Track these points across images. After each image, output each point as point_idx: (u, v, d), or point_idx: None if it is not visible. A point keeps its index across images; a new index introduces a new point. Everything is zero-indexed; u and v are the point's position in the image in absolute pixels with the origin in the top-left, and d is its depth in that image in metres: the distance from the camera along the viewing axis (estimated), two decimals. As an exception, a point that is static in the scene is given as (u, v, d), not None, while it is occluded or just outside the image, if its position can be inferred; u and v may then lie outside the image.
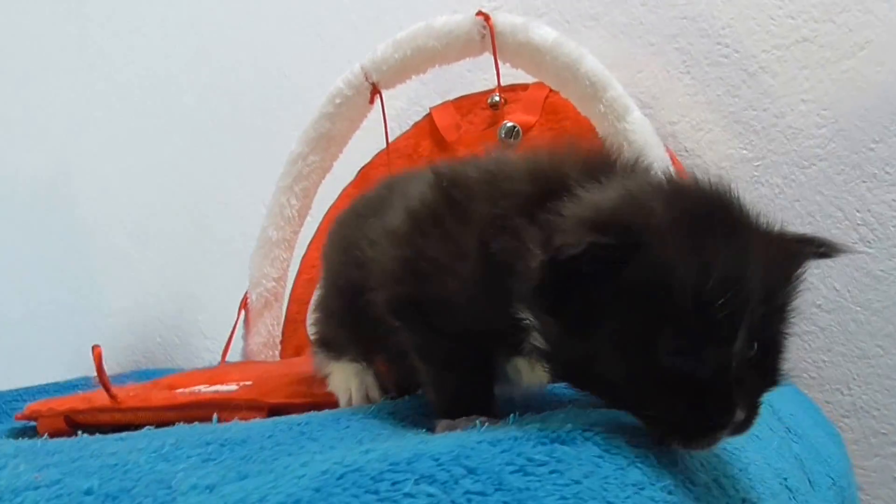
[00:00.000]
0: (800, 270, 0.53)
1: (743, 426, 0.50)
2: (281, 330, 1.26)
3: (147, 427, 0.63)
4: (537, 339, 0.52)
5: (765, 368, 0.52)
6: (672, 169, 1.06)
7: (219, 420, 0.70)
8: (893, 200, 1.19)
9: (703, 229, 0.48)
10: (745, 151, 1.25)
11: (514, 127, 1.18)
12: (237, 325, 1.25)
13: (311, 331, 0.84)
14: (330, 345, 0.78)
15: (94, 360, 0.75)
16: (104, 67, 1.70)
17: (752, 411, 0.50)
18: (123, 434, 0.60)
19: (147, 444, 0.51)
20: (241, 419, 0.68)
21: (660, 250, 0.47)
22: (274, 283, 1.23)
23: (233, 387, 0.83)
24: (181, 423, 0.67)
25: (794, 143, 1.23)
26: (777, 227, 0.53)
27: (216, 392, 0.80)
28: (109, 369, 1.31)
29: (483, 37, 1.15)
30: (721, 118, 1.27)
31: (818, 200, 1.22)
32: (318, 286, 0.83)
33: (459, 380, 0.60)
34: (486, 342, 0.58)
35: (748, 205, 0.53)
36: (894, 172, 1.19)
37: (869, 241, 1.19)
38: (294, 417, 0.62)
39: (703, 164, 1.27)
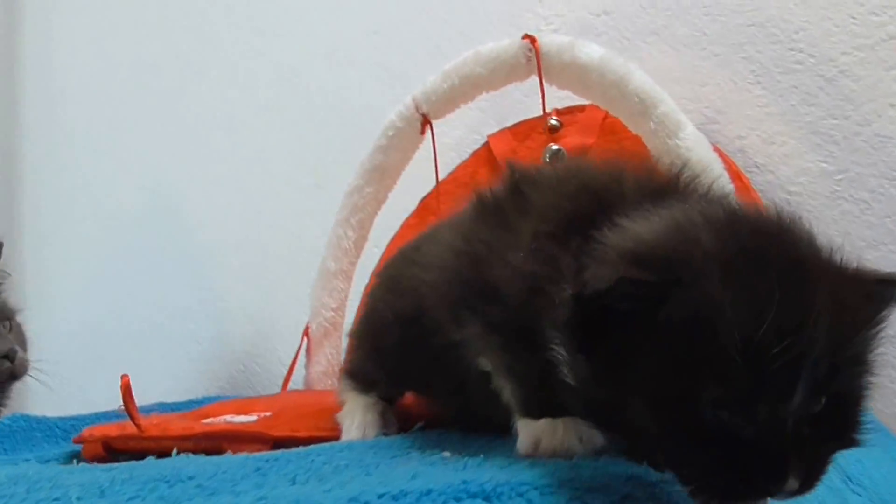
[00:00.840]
0: (880, 315, 0.47)
1: (800, 492, 0.43)
2: (340, 359, 1.28)
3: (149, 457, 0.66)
4: (566, 374, 0.48)
5: (834, 426, 0.45)
6: (732, 188, 1.00)
7: (231, 451, 0.73)
8: None
9: (759, 266, 0.43)
10: (824, 164, 1.15)
11: (559, 150, 1.15)
12: (299, 354, 1.28)
13: (344, 362, 0.86)
14: (356, 377, 0.79)
15: (122, 390, 0.77)
16: (210, 106, 1.79)
17: (812, 475, 0.44)
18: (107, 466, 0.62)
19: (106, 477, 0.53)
20: (249, 451, 0.70)
21: (704, 288, 0.42)
22: (332, 313, 1.25)
23: (252, 418, 0.85)
24: (187, 454, 0.72)
25: (882, 152, 1.12)
26: (854, 265, 0.47)
27: (232, 423, 0.82)
28: (196, 393, 1.40)
29: (529, 60, 1.12)
30: (796, 129, 1.17)
31: (912, 215, 1.10)
32: (355, 322, 0.86)
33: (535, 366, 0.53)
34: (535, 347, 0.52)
35: (818, 238, 0.47)
36: None
37: (971, 261, 1.06)
38: (262, 455, 0.62)
39: (777, 181, 1.18)
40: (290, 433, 0.76)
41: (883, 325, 0.48)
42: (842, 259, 0.47)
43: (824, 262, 0.46)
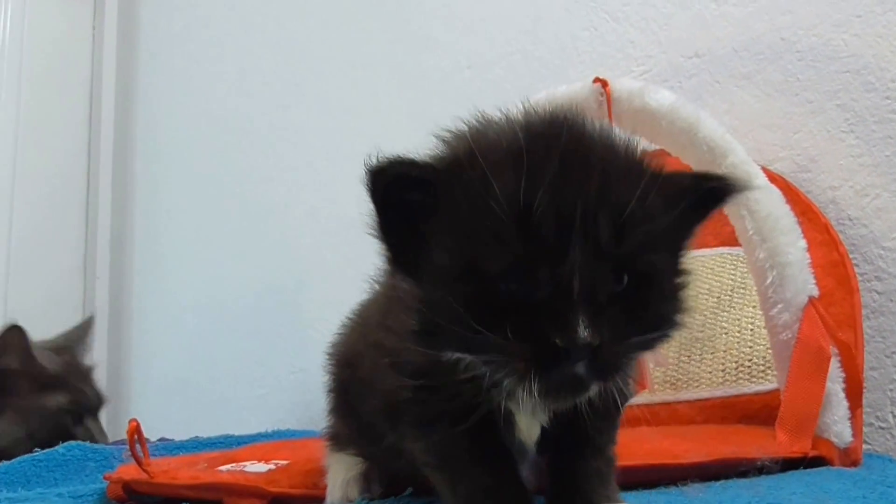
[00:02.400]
0: (682, 205, 0.50)
1: (602, 366, 0.45)
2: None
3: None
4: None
5: (638, 305, 0.47)
6: (804, 244, 0.94)
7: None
8: None
9: (535, 146, 0.47)
10: (921, 220, 1.07)
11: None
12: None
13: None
14: (336, 437, 0.78)
15: (128, 434, 0.77)
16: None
17: (613, 345, 0.46)
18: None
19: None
20: (245, 505, 0.72)
21: (480, 166, 0.46)
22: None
23: (266, 468, 0.85)
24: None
25: None
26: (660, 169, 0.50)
27: (242, 473, 0.83)
28: (287, 424, 1.44)
29: (600, 104, 1.12)
30: (891, 182, 1.10)
31: None
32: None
33: (477, 470, 0.55)
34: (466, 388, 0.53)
35: (619, 135, 0.51)
36: None
37: None
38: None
39: (870, 235, 1.11)
40: (287, 490, 0.76)
41: (685, 211, 0.50)
42: (642, 155, 0.50)
43: (611, 149, 0.49)
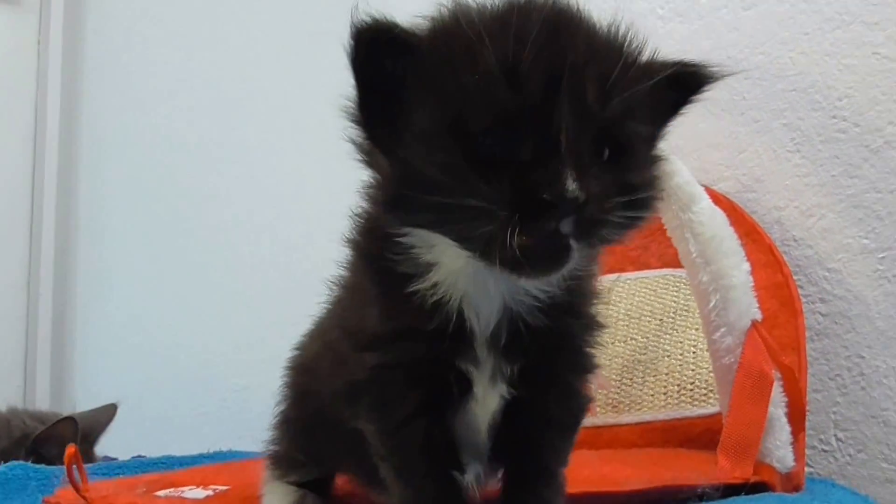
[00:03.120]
0: (661, 79, 0.50)
1: (587, 224, 0.45)
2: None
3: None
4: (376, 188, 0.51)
5: (618, 172, 0.48)
6: (747, 267, 0.93)
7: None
8: None
9: (521, 14, 0.47)
10: (865, 241, 1.06)
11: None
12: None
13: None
14: (278, 460, 0.75)
15: (66, 460, 0.74)
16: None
17: (599, 206, 0.45)
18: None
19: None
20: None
21: (463, 29, 0.46)
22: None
23: (201, 494, 0.82)
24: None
25: (931, 232, 1.03)
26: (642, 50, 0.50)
27: (174, 500, 0.80)
28: (229, 444, 1.39)
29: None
30: (837, 202, 1.09)
31: (962, 301, 1.00)
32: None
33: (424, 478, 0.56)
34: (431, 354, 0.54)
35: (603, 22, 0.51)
36: None
37: None
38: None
39: (815, 256, 1.10)
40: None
41: (668, 105, 0.54)
42: (625, 33, 0.50)
43: (594, 22, 0.50)
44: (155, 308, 1.94)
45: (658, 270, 1.17)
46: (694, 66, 0.54)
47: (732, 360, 0.87)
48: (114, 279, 2.06)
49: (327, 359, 0.61)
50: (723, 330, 0.88)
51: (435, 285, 0.52)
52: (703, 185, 1.16)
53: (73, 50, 2.16)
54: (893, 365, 1.03)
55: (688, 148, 1.20)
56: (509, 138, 0.45)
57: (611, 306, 1.17)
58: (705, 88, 0.55)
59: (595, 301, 0.58)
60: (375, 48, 0.47)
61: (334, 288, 0.64)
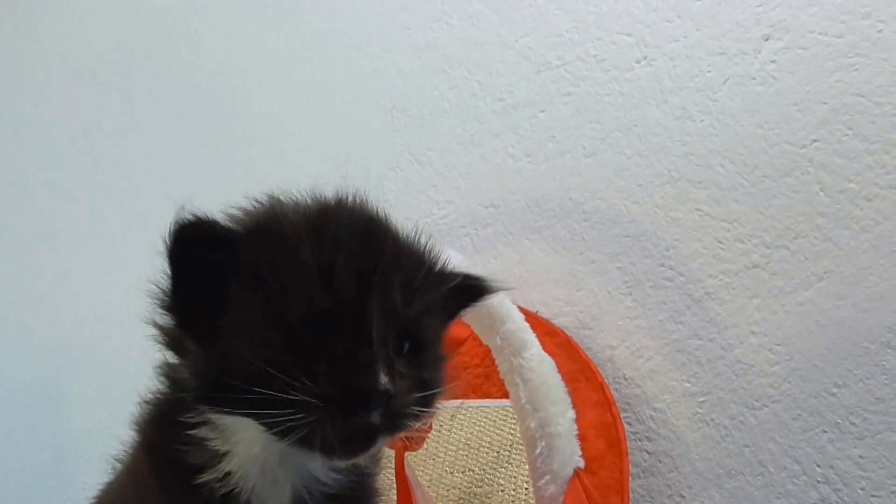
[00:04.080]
0: (452, 287, 0.57)
1: (394, 416, 0.49)
2: None
3: None
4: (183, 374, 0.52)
5: (416, 367, 0.53)
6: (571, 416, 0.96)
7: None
8: (860, 457, 1.02)
9: (331, 217, 0.52)
10: (688, 384, 1.13)
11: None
12: None
13: None
14: None
15: None
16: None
17: (404, 400, 0.50)
18: None
19: None
20: None
21: (281, 233, 0.50)
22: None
23: None
24: None
25: (744, 379, 1.10)
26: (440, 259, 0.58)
27: None
28: None
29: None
30: (663, 345, 1.15)
31: (771, 448, 1.07)
32: None
33: None
34: None
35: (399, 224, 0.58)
36: (860, 424, 1.03)
37: (830, 504, 1.02)
38: None
39: (643, 395, 1.15)
40: None
41: (455, 307, 0.60)
42: (426, 241, 0.58)
43: (397, 229, 0.56)
44: None
45: (498, 401, 1.19)
46: (477, 279, 0.62)
47: (555, 508, 0.89)
48: None
49: None
50: (547, 477, 0.90)
51: (227, 475, 0.51)
52: (544, 319, 1.21)
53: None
54: (710, 506, 1.09)
55: (532, 280, 1.25)
56: (325, 331, 0.49)
57: (452, 433, 1.18)
58: (485, 297, 0.62)
59: (378, 499, 0.62)
60: (195, 244, 0.49)
61: (117, 465, 0.62)
